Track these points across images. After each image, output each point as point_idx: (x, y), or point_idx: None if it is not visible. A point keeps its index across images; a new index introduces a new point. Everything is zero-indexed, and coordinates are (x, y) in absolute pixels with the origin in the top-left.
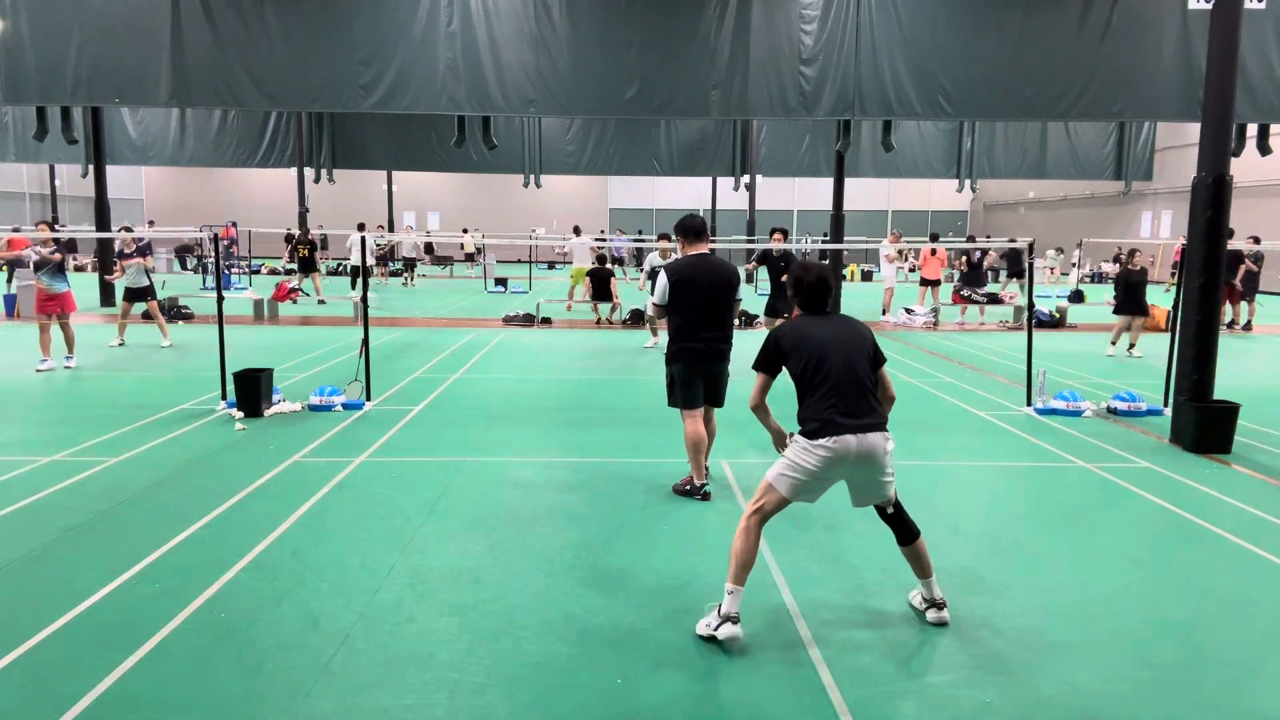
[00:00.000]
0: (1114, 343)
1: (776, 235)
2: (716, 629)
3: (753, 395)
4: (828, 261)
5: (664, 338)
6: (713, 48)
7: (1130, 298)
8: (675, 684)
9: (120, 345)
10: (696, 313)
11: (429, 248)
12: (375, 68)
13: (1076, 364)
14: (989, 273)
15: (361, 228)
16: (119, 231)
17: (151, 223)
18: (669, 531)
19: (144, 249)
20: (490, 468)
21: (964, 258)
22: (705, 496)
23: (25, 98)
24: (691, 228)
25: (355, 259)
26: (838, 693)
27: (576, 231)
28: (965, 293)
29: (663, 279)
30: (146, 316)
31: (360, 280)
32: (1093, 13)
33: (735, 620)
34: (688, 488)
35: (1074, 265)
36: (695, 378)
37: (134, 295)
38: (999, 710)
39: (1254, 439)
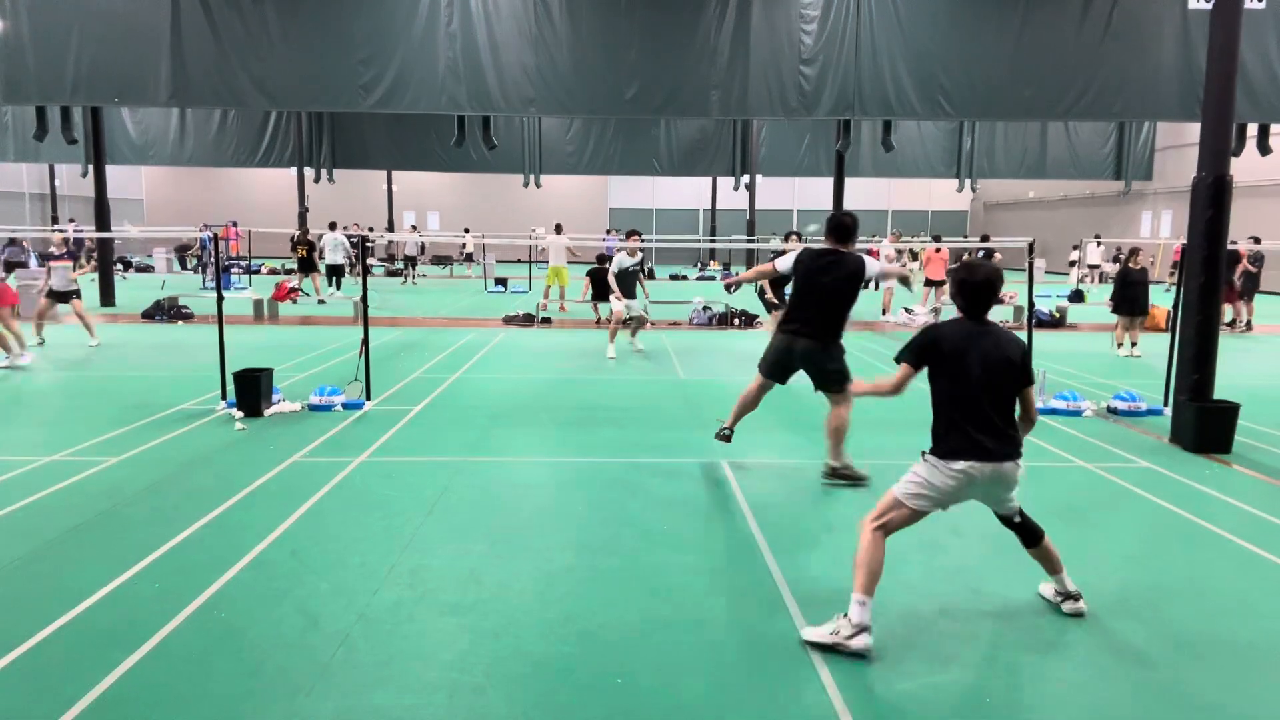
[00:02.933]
0: (1120, 343)
1: (793, 238)
2: (850, 639)
3: (895, 380)
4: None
5: (618, 347)
6: (713, 48)
7: (1129, 296)
8: (675, 685)
9: (40, 344)
10: (810, 298)
11: (420, 248)
12: (375, 68)
13: (1076, 364)
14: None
15: (333, 227)
16: (55, 230)
17: (72, 220)
18: (669, 531)
19: (74, 252)
20: (490, 468)
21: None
22: (725, 438)
23: (25, 98)
24: (841, 225)
25: (330, 259)
26: (837, 692)
27: (558, 230)
28: None
29: (789, 258)
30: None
31: (338, 279)
32: (1093, 13)
33: (869, 630)
34: (722, 429)
35: (1080, 263)
36: (787, 355)
37: (58, 297)
38: (999, 710)
39: (1254, 439)
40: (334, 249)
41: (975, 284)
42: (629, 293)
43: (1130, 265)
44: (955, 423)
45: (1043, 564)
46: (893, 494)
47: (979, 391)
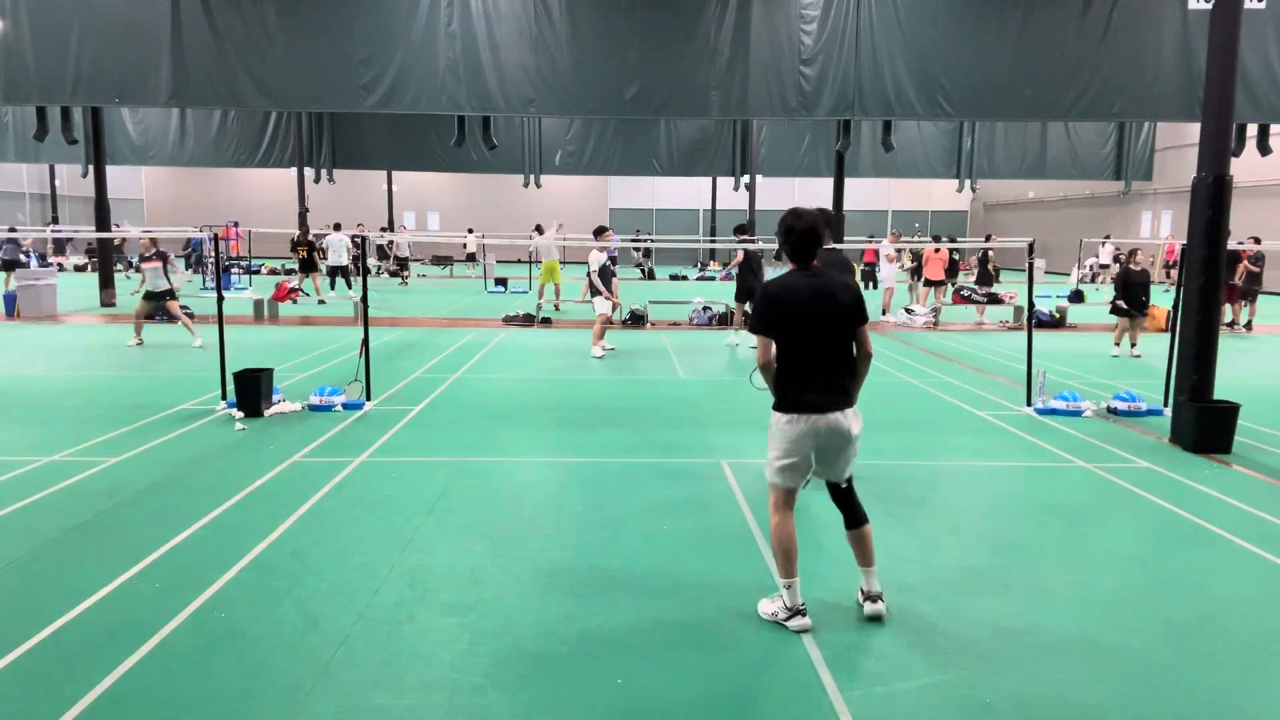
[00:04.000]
0: (1117, 343)
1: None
2: (786, 620)
3: (760, 354)
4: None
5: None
6: (713, 48)
7: (1129, 297)
8: (675, 685)
9: (139, 344)
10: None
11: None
12: (375, 68)
13: (1076, 364)
14: (998, 272)
15: (338, 227)
16: (140, 234)
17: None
18: (669, 532)
19: (163, 253)
20: (490, 468)
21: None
22: None
23: (25, 98)
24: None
25: (333, 259)
26: (837, 693)
27: (539, 230)
28: (965, 292)
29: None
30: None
31: (343, 279)
32: (1093, 13)
33: (803, 612)
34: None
35: (1096, 265)
36: None
37: (153, 297)
38: (999, 710)
39: (1254, 439)
40: (338, 250)
41: (801, 230)
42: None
43: (1130, 266)
44: (793, 376)
45: (856, 552)
46: (768, 480)
47: (813, 338)
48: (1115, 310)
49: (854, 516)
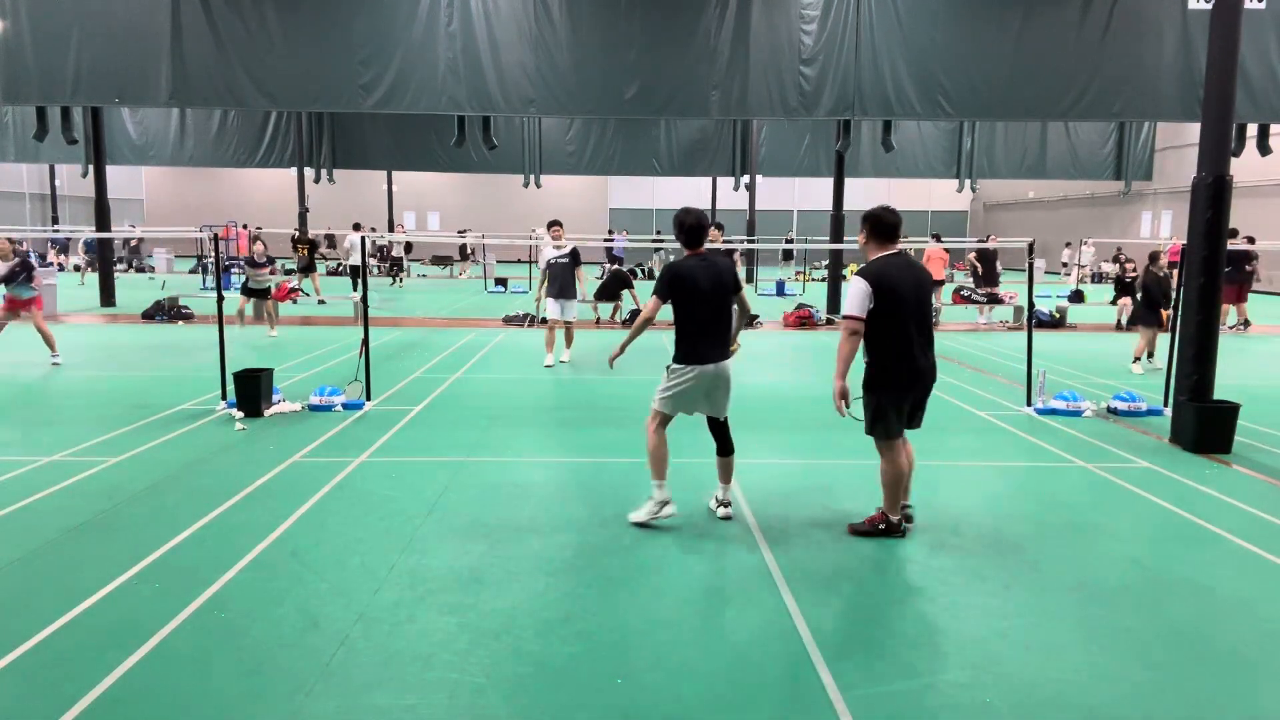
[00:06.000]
0: (1137, 358)
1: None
2: (656, 515)
3: (646, 309)
4: (828, 261)
5: (557, 354)
6: (713, 48)
7: (1149, 303)
8: (675, 685)
9: (274, 336)
10: (906, 322)
11: (408, 247)
12: (375, 68)
13: (1076, 364)
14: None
15: (357, 227)
16: (256, 234)
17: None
18: (669, 531)
19: (273, 258)
20: (490, 468)
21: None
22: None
23: (25, 98)
24: (890, 225)
25: (355, 259)
26: (838, 693)
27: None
28: (965, 292)
29: (863, 285)
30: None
31: (361, 280)
32: (1093, 13)
33: (670, 502)
34: (881, 525)
35: (1070, 265)
36: (905, 404)
37: (257, 294)
38: (999, 710)
39: (1254, 439)
40: (357, 250)
41: (689, 224)
42: (561, 291)
43: (1155, 271)
44: (688, 335)
45: (720, 472)
46: (653, 405)
47: (704, 307)
48: (1132, 320)
49: (725, 447)
